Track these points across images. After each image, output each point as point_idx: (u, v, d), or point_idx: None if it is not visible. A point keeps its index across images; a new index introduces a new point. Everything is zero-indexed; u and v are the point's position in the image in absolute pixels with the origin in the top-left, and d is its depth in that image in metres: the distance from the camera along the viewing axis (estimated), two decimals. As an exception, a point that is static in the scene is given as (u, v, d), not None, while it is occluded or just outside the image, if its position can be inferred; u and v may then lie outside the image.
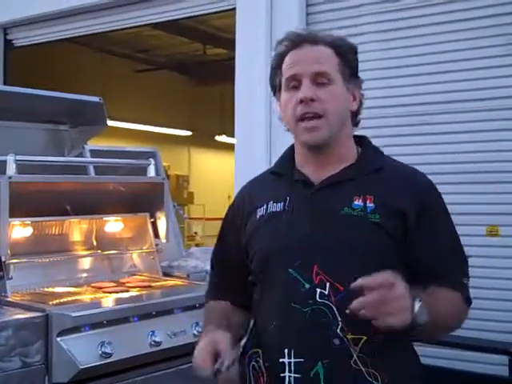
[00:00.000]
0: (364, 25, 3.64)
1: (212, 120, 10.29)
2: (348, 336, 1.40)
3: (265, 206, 1.58)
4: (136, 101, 9.44)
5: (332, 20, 3.79)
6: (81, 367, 2.03)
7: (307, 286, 1.44)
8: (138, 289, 2.51)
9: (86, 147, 3.10)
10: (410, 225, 1.47)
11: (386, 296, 1.28)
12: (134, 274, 2.75)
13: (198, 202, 10.72)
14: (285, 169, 1.63)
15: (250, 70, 4.34)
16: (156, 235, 2.83)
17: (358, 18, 3.68)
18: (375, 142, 1.70)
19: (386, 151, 1.66)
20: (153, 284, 2.60)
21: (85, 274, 2.65)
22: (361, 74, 1.64)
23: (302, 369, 1.42)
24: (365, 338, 1.40)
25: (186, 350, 2.37)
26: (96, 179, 2.86)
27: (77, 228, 2.72)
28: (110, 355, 2.09)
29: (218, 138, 10.72)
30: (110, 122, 3.18)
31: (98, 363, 2.07)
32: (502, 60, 3.37)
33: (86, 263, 2.69)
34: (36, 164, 2.60)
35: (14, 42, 5.57)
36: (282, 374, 1.44)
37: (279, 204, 1.56)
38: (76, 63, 8.64)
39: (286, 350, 1.45)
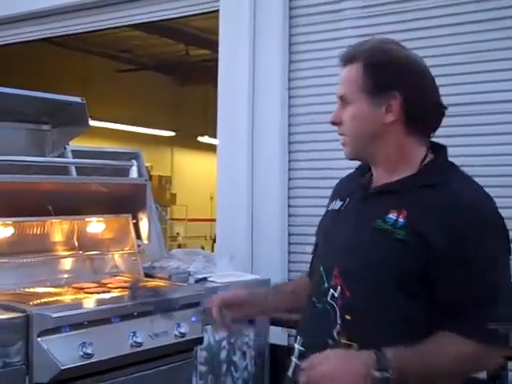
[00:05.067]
0: (345, 29, 3.68)
1: (195, 121, 10.32)
2: (341, 340, 1.46)
3: (333, 203, 1.67)
4: (119, 101, 9.43)
5: (314, 24, 3.82)
6: (62, 368, 2.03)
7: (325, 285, 1.54)
8: (119, 289, 2.51)
9: (67, 147, 3.09)
10: (433, 256, 1.41)
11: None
12: (116, 275, 2.74)
13: (181, 203, 10.73)
14: (363, 169, 1.67)
15: (232, 71, 4.34)
16: (138, 236, 2.84)
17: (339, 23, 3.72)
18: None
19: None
20: (134, 285, 2.60)
21: (66, 275, 2.64)
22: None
23: (301, 357, 1.52)
24: (356, 345, 1.44)
25: (168, 351, 2.40)
26: (78, 180, 2.86)
27: (58, 229, 2.70)
28: (90, 356, 2.09)
29: (200, 138, 10.72)
30: (92, 122, 3.17)
31: (78, 364, 2.07)
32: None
33: (67, 264, 2.68)
34: (17, 164, 2.59)
35: (-10, 41, 5.53)
36: (291, 357, 1.58)
37: (340, 203, 1.64)
38: (57, 64, 8.61)
39: (298, 338, 1.59)
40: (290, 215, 3.88)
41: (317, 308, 1.55)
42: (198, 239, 10.04)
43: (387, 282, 1.44)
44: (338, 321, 1.48)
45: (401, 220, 1.45)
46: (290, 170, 4.18)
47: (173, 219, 10.16)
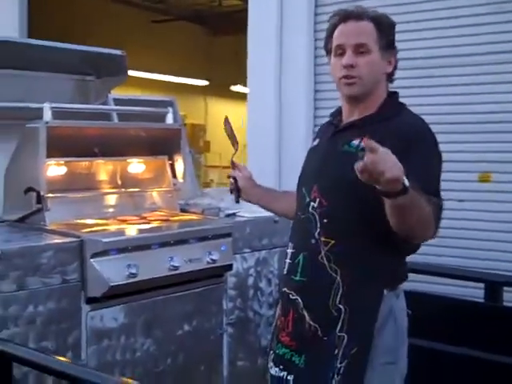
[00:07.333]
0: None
1: (228, 70, 10.48)
2: (321, 239, 1.90)
3: (313, 142, 2.11)
4: (153, 51, 9.65)
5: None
6: (111, 284, 2.36)
7: (307, 200, 1.95)
8: (158, 222, 2.83)
9: (109, 96, 3.40)
10: None
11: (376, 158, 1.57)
12: (155, 210, 3.05)
13: (215, 151, 11.00)
14: (334, 115, 2.07)
15: (262, 20, 4.56)
16: (174, 176, 3.15)
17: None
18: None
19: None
20: (171, 218, 2.92)
21: (111, 209, 2.95)
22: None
23: (292, 257, 1.99)
24: (333, 241, 1.88)
25: (201, 275, 2.73)
26: (121, 125, 3.17)
27: (104, 168, 3.02)
28: (135, 275, 2.42)
29: (233, 87, 10.92)
30: (129, 72, 3.43)
31: (125, 282, 2.40)
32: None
33: (111, 200, 2.99)
34: (67, 111, 2.90)
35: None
36: (285, 260, 2.03)
37: (317, 140, 2.08)
38: (95, 14, 8.85)
39: (289, 244, 2.02)
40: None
41: (302, 219, 1.97)
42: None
43: (352, 192, 1.81)
44: (318, 224, 1.90)
45: (362, 144, 1.78)
46: (315, 117, 4.44)
47: (207, 166, 10.45)
